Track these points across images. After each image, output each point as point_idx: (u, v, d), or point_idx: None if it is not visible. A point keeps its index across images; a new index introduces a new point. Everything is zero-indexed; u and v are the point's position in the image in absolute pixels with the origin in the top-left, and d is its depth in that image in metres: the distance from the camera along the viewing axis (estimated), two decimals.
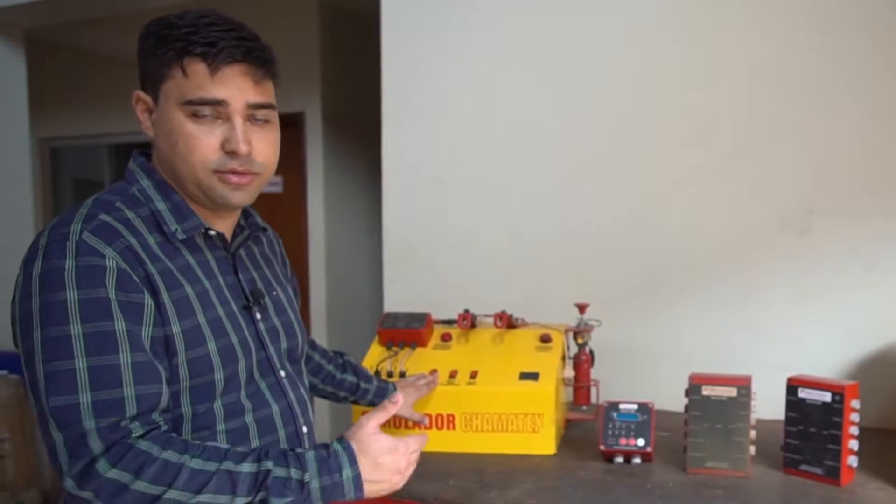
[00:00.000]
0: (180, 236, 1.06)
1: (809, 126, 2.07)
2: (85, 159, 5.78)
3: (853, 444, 1.57)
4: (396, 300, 2.51)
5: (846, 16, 2.02)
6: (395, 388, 1.69)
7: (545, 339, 1.91)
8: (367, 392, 1.67)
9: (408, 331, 1.93)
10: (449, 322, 2.04)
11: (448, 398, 1.81)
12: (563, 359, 1.94)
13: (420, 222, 2.51)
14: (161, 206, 1.06)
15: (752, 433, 1.62)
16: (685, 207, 2.20)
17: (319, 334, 4.26)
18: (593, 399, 2.00)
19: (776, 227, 2.10)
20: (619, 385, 2.10)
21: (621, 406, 1.72)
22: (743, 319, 2.14)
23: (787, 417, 1.64)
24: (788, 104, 2.08)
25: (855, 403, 1.57)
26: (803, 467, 1.61)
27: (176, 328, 1.01)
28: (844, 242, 2.04)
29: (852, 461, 1.57)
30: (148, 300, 0.99)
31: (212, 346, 1.05)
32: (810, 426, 1.60)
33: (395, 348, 1.94)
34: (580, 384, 1.99)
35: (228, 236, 1.16)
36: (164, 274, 1.02)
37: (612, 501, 1.50)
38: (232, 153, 1.04)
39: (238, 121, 1.03)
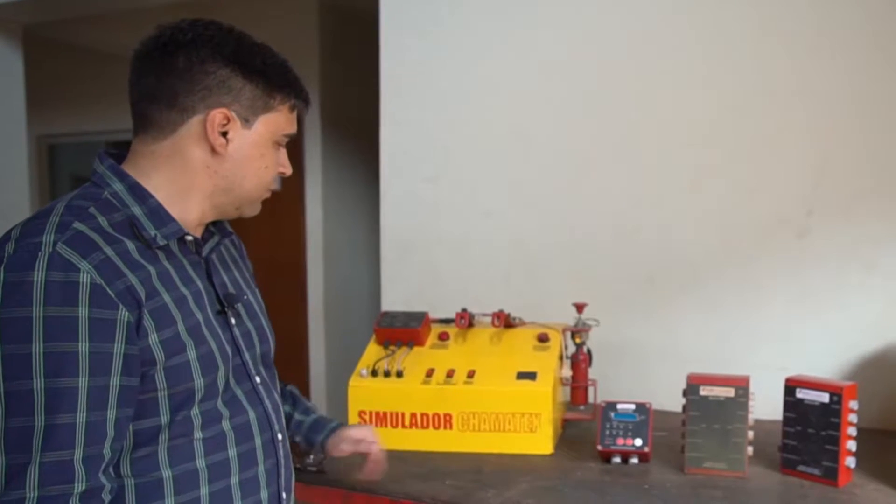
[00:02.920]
0: (160, 242, 1.03)
1: (809, 127, 2.06)
2: (82, 156, 5.77)
3: (851, 445, 1.56)
4: (394, 299, 2.51)
5: (845, 16, 2.02)
6: (333, 429, 1.47)
7: (543, 339, 1.91)
8: (302, 424, 1.46)
9: (405, 330, 1.93)
10: (446, 321, 2.03)
11: (445, 397, 1.81)
12: (561, 358, 1.94)
13: (418, 221, 2.50)
14: (137, 210, 1.03)
15: (750, 434, 1.61)
16: (684, 207, 2.19)
17: (317, 333, 4.25)
18: (591, 399, 2.00)
19: (775, 228, 2.10)
20: (617, 385, 2.09)
21: (619, 406, 1.72)
22: (741, 320, 2.14)
23: (785, 418, 1.64)
24: (788, 105, 2.08)
25: (853, 404, 1.56)
26: (801, 468, 1.61)
27: (154, 338, 0.98)
28: (843, 243, 2.04)
29: (850, 462, 1.57)
30: (123, 315, 0.95)
31: (192, 354, 1.02)
32: (808, 427, 1.60)
33: (392, 347, 1.93)
34: (578, 384, 1.98)
35: (199, 235, 1.14)
36: (145, 282, 0.99)
37: (609, 502, 1.49)
38: (282, 174, 1.16)
39: (284, 149, 1.16)
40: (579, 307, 1.98)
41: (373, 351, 1.94)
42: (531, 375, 1.80)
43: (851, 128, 2.03)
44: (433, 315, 2.03)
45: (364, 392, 1.83)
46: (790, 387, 1.64)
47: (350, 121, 4.28)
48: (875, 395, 1.96)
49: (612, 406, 1.72)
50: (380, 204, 2.54)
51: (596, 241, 2.29)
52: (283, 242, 4.27)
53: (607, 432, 1.70)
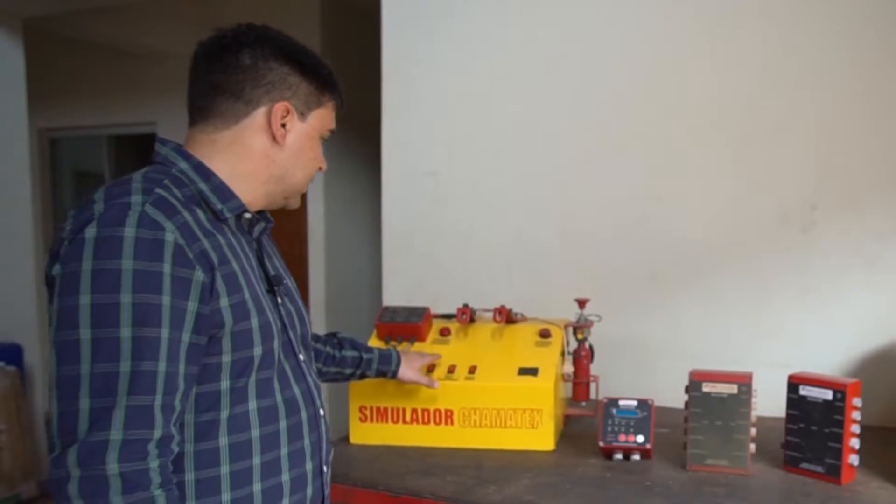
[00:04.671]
0: (227, 214, 1.11)
1: (813, 122, 2.05)
2: (84, 150, 5.77)
3: (854, 443, 1.55)
4: (396, 293, 2.50)
5: (852, 11, 2.00)
6: (398, 353, 1.72)
7: (545, 335, 1.90)
8: (371, 361, 1.67)
9: (406, 325, 1.92)
10: (448, 316, 2.02)
11: (446, 393, 1.80)
12: (563, 354, 1.93)
13: (420, 215, 2.49)
14: (203, 186, 1.11)
15: (753, 430, 1.60)
16: (687, 202, 2.18)
17: (318, 327, 4.24)
18: (593, 395, 1.99)
19: (779, 223, 2.09)
20: (619, 381, 2.09)
21: (621, 402, 1.71)
22: (744, 316, 2.13)
23: (788, 415, 1.63)
24: (792, 100, 2.07)
25: (856, 401, 1.55)
26: (804, 465, 1.60)
27: (224, 302, 1.05)
28: (848, 239, 2.03)
29: (853, 459, 1.56)
30: (198, 275, 1.01)
31: (254, 322, 1.09)
32: (811, 424, 1.59)
33: (393, 343, 1.92)
34: (579, 380, 1.97)
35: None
36: (217, 249, 1.06)
37: (611, 498, 1.49)
38: (318, 169, 1.25)
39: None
40: (581, 303, 1.97)
41: (374, 346, 1.93)
42: (533, 371, 1.79)
43: (856, 122, 2.01)
44: (434, 310, 2.02)
45: (365, 387, 1.83)
46: (793, 384, 1.63)
47: (351, 113, 4.26)
48: (879, 393, 1.95)
49: (613, 402, 1.71)
50: (381, 198, 2.53)
51: (598, 237, 2.28)
52: (285, 237, 4.26)
53: (609, 429, 1.70)
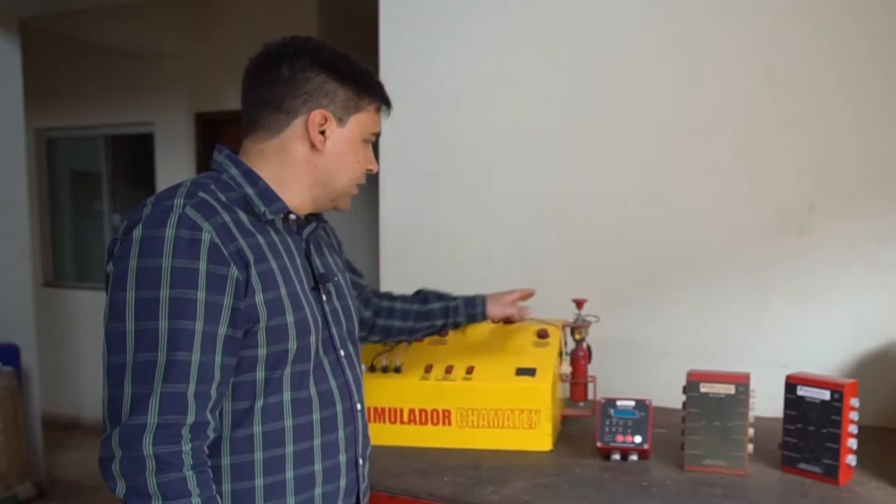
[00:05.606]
0: (269, 216, 1.18)
1: (810, 122, 2.05)
2: (81, 150, 5.76)
3: (852, 443, 1.55)
4: None
5: (848, 12, 2.01)
6: (482, 296, 1.77)
7: (542, 335, 1.90)
8: (458, 308, 1.73)
9: None
10: None
11: (444, 393, 1.80)
12: (561, 354, 1.93)
13: (417, 217, 2.49)
14: (249, 190, 1.18)
15: (751, 431, 1.60)
16: (685, 203, 2.18)
17: None
18: (590, 395, 1.99)
19: (776, 224, 2.09)
20: (617, 381, 2.09)
21: (618, 403, 1.71)
22: (742, 316, 2.13)
23: (786, 415, 1.63)
24: (789, 100, 2.07)
25: (854, 402, 1.55)
26: (802, 466, 1.60)
27: (259, 298, 1.11)
28: (845, 239, 2.03)
29: (851, 460, 1.56)
30: (233, 272, 1.08)
31: (289, 318, 1.15)
32: (809, 424, 1.59)
33: (390, 343, 1.92)
34: (577, 380, 1.97)
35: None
36: (254, 248, 1.13)
37: (608, 499, 1.49)
38: (369, 171, 1.30)
39: (370, 147, 1.30)
40: (579, 303, 1.97)
41: (371, 346, 1.93)
42: (530, 371, 1.79)
43: (854, 124, 2.01)
44: None
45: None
46: (791, 384, 1.63)
47: None
48: (876, 393, 1.95)
49: (611, 403, 1.71)
50: (379, 199, 2.53)
51: (596, 237, 2.28)
52: None
53: (607, 429, 1.69)
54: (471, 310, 1.75)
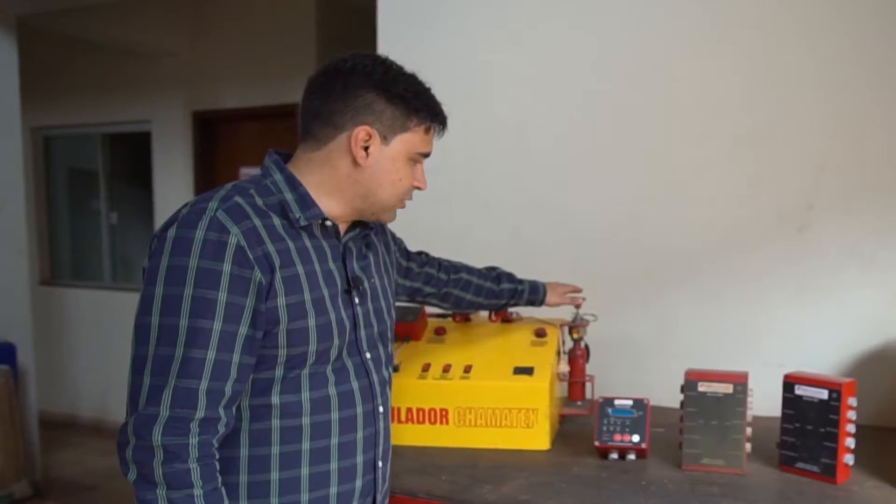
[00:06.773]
0: (302, 222, 1.20)
1: (810, 121, 2.05)
2: (78, 149, 5.74)
3: (850, 442, 1.55)
4: None
5: (849, 11, 2.00)
6: (543, 284, 1.88)
7: (540, 334, 1.90)
8: (524, 291, 1.84)
9: (401, 324, 1.91)
10: (443, 316, 2.02)
11: (441, 392, 1.79)
12: (559, 354, 1.93)
13: (415, 214, 2.47)
14: (289, 196, 1.21)
15: (749, 430, 1.60)
16: (683, 202, 2.18)
17: None
18: (588, 394, 1.98)
19: (775, 222, 2.09)
20: (615, 380, 2.08)
21: (616, 402, 1.71)
22: (740, 315, 2.13)
23: (784, 415, 1.63)
24: (788, 99, 2.07)
25: (852, 401, 1.55)
26: (799, 465, 1.60)
27: (282, 301, 1.14)
28: (843, 239, 2.03)
29: (849, 459, 1.56)
30: (257, 276, 1.11)
31: (311, 322, 1.17)
32: (807, 423, 1.59)
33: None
34: (575, 379, 1.97)
35: (343, 229, 1.31)
36: (282, 253, 1.16)
37: (606, 498, 1.48)
38: (417, 188, 1.33)
39: (421, 166, 1.33)
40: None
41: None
42: (528, 371, 1.79)
43: (852, 122, 2.01)
44: (430, 310, 2.02)
45: None
46: (789, 383, 1.63)
47: None
48: (874, 392, 1.95)
49: (609, 402, 1.71)
50: None
51: (595, 236, 2.27)
52: None
53: (605, 428, 1.69)
54: (533, 296, 1.85)
